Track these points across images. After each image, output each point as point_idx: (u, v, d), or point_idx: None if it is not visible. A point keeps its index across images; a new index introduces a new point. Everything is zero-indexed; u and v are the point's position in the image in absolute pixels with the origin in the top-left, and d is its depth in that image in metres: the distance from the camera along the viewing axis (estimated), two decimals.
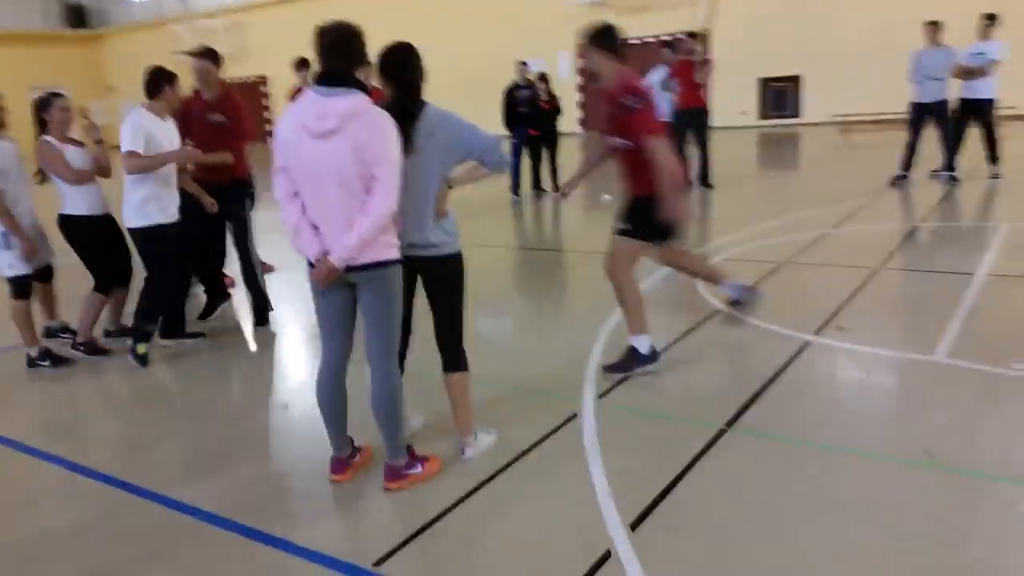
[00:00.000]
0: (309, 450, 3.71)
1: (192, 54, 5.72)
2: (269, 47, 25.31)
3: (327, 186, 2.93)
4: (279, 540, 2.97)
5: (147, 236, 4.94)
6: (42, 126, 5.00)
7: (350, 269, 3.00)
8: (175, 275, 5.25)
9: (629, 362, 4.33)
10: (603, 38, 4.05)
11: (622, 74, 4.08)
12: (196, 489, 3.43)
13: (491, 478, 3.32)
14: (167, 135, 4.96)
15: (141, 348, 5.08)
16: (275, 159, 3.04)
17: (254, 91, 26.14)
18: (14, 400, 4.84)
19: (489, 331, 5.45)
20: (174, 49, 24.36)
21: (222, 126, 5.58)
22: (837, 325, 4.89)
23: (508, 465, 3.41)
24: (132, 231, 4.96)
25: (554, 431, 3.71)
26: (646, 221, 4.20)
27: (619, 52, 4.09)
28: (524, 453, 3.51)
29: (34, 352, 5.18)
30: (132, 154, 4.71)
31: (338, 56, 2.96)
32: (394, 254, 3.09)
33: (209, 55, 5.66)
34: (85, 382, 5.02)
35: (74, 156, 5.01)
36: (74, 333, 5.45)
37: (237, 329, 5.90)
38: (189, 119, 5.51)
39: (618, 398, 4.08)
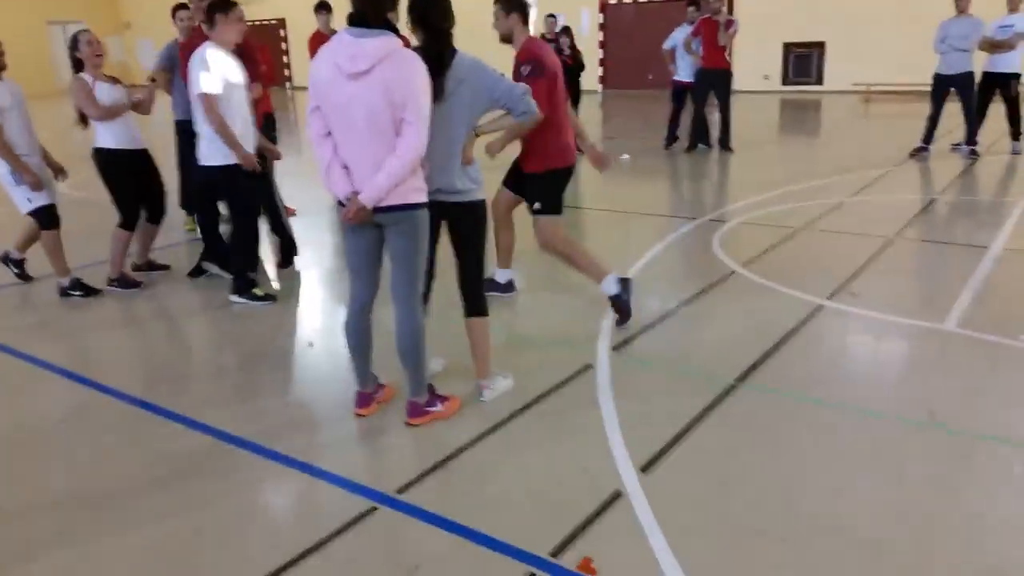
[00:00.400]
0: (333, 385, 3.87)
1: None
2: None
3: (358, 126, 3.00)
4: (306, 465, 3.13)
5: (229, 173, 4.85)
6: (78, 66, 5.08)
7: (378, 210, 3.08)
8: (255, 216, 5.21)
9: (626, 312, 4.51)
10: (510, 1, 4.21)
11: (528, 40, 4.22)
12: (222, 414, 3.59)
13: (506, 420, 3.45)
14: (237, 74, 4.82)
15: (258, 291, 5.14)
16: (309, 99, 3.12)
17: (272, 33, 25.92)
18: (49, 327, 5.00)
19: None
20: None
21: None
22: (850, 291, 4.97)
23: (523, 409, 3.55)
24: (211, 169, 4.88)
25: (568, 379, 3.84)
26: (543, 196, 4.41)
27: (525, 16, 4.25)
28: (539, 398, 3.64)
29: (65, 282, 5.32)
30: (209, 97, 4.64)
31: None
32: (422, 197, 3.17)
33: None
34: (115, 312, 5.17)
35: (104, 92, 5.09)
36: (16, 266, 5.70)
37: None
38: None
39: (632, 351, 4.20)
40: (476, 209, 3.47)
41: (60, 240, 5.29)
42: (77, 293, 5.34)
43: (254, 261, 5.27)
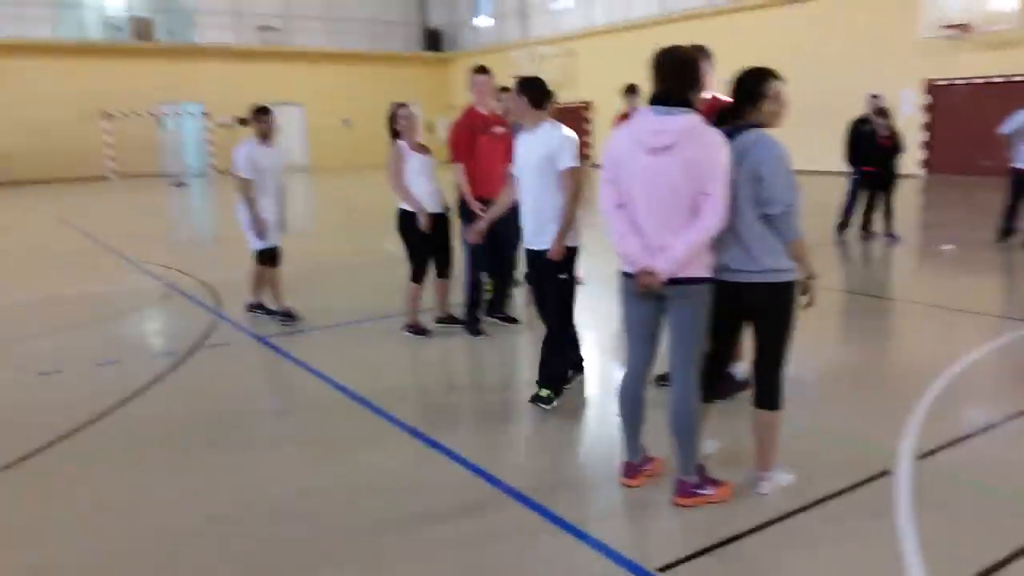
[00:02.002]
0: (602, 450, 3.85)
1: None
2: (595, 74, 26.42)
3: (657, 199, 3.05)
4: (569, 524, 3.12)
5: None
6: (395, 134, 5.77)
7: (669, 281, 3.07)
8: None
9: None
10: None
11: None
12: (496, 461, 3.74)
13: (785, 516, 3.17)
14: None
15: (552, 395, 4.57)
16: (604, 172, 3.23)
17: (577, 115, 27.43)
18: (342, 355, 5.61)
19: (802, 371, 5.18)
20: (511, 73, 26.37)
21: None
22: None
23: (805, 508, 3.24)
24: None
25: (861, 483, 3.44)
26: None
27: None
28: (824, 500, 3.31)
29: (250, 299, 6.68)
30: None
31: (676, 79, 3.08)
32: (707, 272, 3.13)
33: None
34: (405, 352, 5.66)
35: (415, 160, 5.72)
36: (275, 313, 6.56)
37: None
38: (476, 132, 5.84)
39: (941, 462, 3.68)
40: (778, 291, 3.19)
41: (264, 275, 6.51)
42: (258, 312, 6.61)
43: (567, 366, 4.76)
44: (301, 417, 4.55)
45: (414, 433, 4.12)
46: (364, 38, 31.98)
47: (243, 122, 8.19)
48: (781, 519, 3.15)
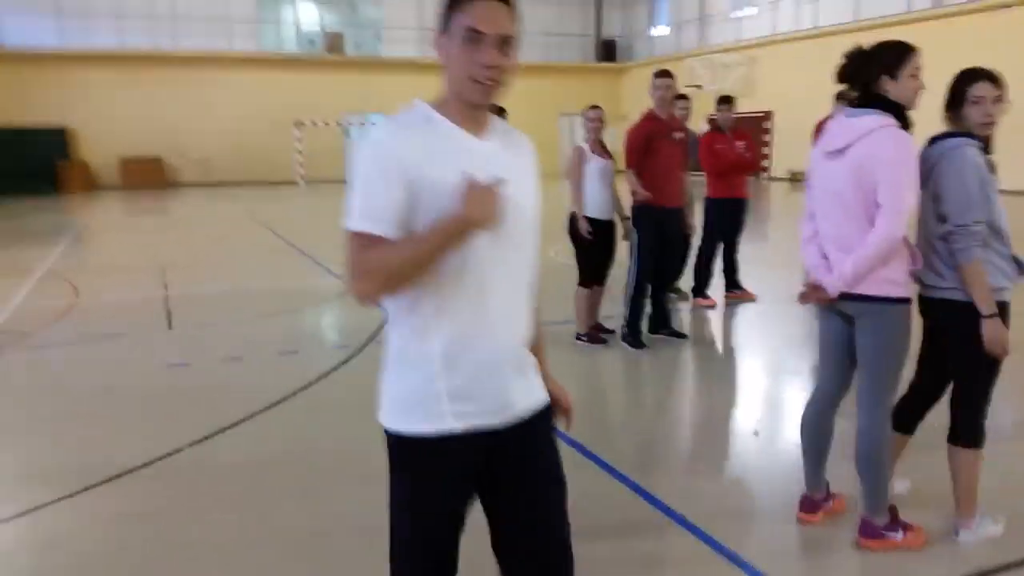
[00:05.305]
0: (778, 482, 3.59)
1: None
2: (777, 82, 25.35)
3: (830, 207, 2.86)
4: (739, 558, 2.92)
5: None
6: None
7: (844, 297, 2.82)
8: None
9: None
10: None
11: None
12: (661, 483, 3.57)
13: (990, 572, 2.81)
14: None
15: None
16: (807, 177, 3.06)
17: (756, 125, 26.41)
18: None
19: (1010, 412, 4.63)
20: (688, 83, 25.83)
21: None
22: None
23: (1010, 566, 2.85)
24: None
25: None
26: None
27: None
28: None
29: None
30: None
31: (862, 73, 2.81)
32: (895, 291, 2.78)
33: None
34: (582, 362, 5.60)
35: (594, 163, 5.67)
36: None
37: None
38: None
39: None
40: (966, 311, 2.79)
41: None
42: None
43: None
44: None
45: (573, 444, 4.05)
46: (541, 49, 32.47)
47: None
48: (984, 575, 2.80)
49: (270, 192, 24.32)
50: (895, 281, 2.79)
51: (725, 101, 7.17)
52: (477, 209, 1.52)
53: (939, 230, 2.79)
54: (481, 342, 1.67)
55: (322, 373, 5.29)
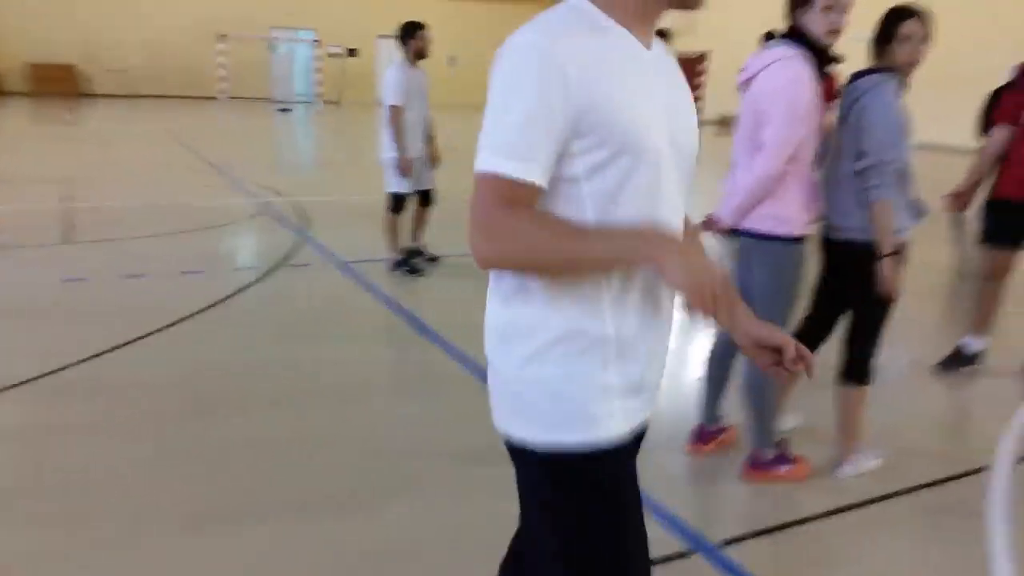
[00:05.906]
0: (673, 414, 3.64)
1: None
2: (721, 17, 25.22)
3: (737, 140, 2.87)
4: None
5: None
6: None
7: (734, 232, 2.87)
8: None
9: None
10: None
11: None
12: None
13: (865, 503, 2.94)
14: None
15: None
16: None
17: (691, 68, 26.40)
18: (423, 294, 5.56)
19: (904, 353, 4.82)
20: None
21: None
22: None
23: (888, 496, 2.99)
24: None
25: (954, 477, 3.16)
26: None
27: None
28: (911, 490, 3.05)
29: (396, 257, 5.88)
30: None
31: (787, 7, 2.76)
32: (780, 229, 2.76)
33: None
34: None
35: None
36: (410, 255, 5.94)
37: None
38: None
39: None
40: (864, 253, 2.82)
41: (396, 224, 5.79)
42: (404, 269, 5.84)
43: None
44: (365, 345, 4.53)
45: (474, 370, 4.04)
46: None
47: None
48: (861, 505, 2.92)
49: (190, 106, 23.21)
50: (781, 218, 2.76)
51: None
52: (697, 296, 1.12)
53: (855, 166, 2.78)
54: (654, 316, 1.33)
55: (226, 295, 5.11)
